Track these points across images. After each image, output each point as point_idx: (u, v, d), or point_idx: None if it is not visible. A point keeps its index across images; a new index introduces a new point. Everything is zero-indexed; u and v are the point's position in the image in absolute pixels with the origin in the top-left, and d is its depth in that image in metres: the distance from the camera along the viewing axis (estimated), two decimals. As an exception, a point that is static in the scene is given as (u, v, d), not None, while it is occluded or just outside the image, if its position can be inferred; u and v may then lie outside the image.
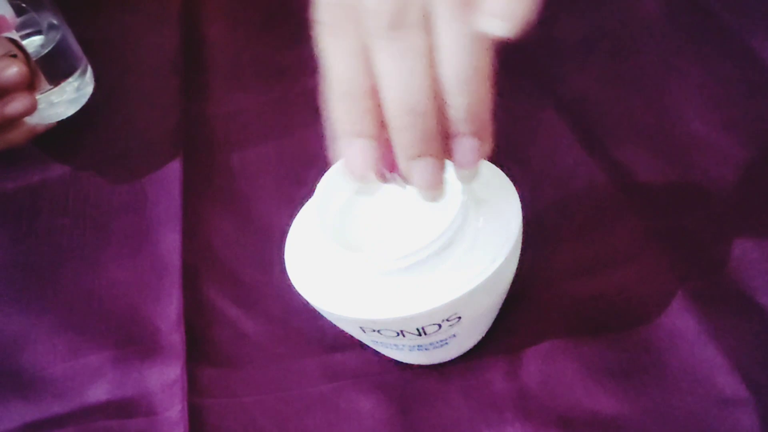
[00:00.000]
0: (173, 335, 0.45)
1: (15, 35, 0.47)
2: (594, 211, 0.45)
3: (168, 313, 0.46)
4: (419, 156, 0.30)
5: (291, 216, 0.41)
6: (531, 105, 0.51)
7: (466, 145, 0.30)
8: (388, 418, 0.40)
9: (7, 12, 0.47)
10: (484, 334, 0.41)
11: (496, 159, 0.40)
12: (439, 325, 0.36)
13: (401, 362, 0.41)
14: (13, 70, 0.46)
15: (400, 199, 0.39)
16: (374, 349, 0.41)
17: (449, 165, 0.32)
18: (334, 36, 0.29)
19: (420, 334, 0.36)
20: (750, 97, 0.48)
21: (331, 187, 0.38)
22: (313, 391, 0.42)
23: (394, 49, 0.28)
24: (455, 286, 0.35)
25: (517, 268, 0.39)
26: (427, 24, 0.28)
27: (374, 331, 0.37)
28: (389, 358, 0.41)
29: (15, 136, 0.49)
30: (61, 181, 0.54)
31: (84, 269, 0.50)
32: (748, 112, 0.48)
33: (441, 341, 0.38)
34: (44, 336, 0.47)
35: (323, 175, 0.38)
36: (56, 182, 0.54)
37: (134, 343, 0.46)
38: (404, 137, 0.30)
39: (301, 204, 0.41)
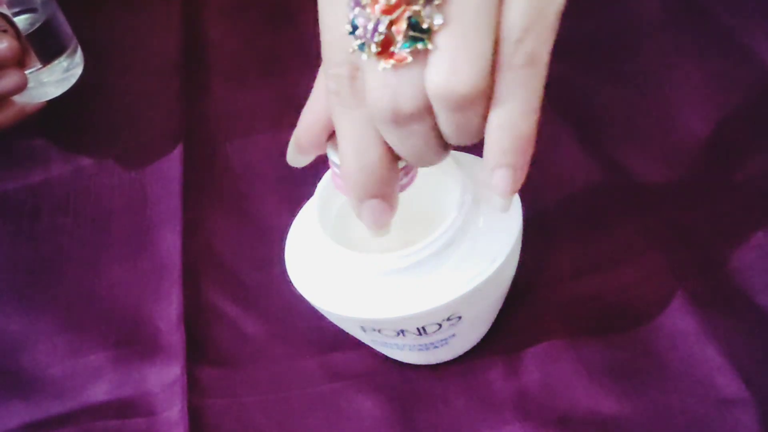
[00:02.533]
0: (173, 335, 0.45)
1: (5, 10, 0.46)
2: (594, 211, 0.45)
3: (168, 313, 0.46)
4: None
5: (291, 216, 0.41)
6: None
7: None
8: (388, 418, 0.40)
9: None
10: (484, 334, 0.41)
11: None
12: (440, 325, 0.36)
13: (401, 362, 0.41)
14: (3, 45, 0.45)
15: (400, 198, 0.38)
16: (374, 349, 0.41)
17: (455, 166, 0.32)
18: (345, 107, 0.30)
19: (420, 334, 0.36)
20: (750, 97, 0.48)
21: (331, 187, 0.38)
22: (313, 391, 0.42)
23: (396, 134, 0.29)
24: (456, 286, 0.35)
25: (517, 268, 0.39)
26: (426, 110, 0.28)
27: (374, 330, 0.37)
28: (389, 357, 0.41)
29: (4, 116, 0.48)
30: (62, 181, 0.54)
31: (84, 269, 0.50)
32: (748, 113, 0.48)
33: (441, 341, 0.38)
34: (44, 336, 0.47)
35: (323, 175, 0.38)
36: (57, 182, 0.54)
37: (134, 343, 0.46)
38: None
39: (301, 204, 0.41)
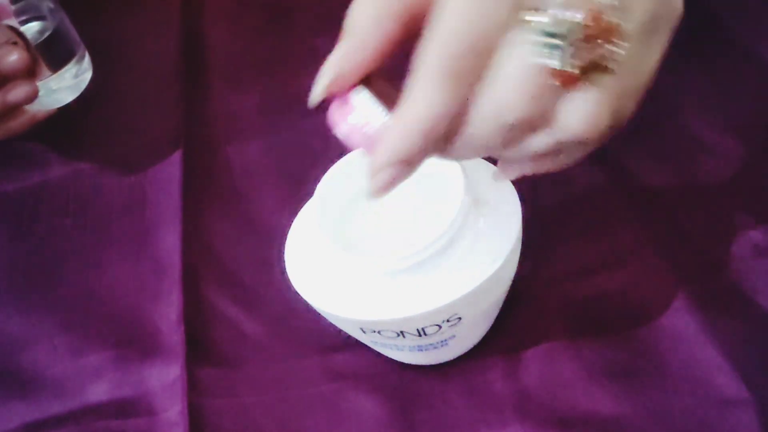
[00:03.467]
0: (173, 335, 0.45)
1: (14, 22, 0.47)
2: (594, 212, 0.45)
3: (168, 313, 0.46)
4: None
5: (291, 216, 0.41)
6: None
7: None
8: (388, 418, 0.40)
9: None
10: (484, 335, 0.41)
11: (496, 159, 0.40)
12: (440, 326, 0.36)
13: (401, 362, 0.41)
14: (14, 58, 0.46)
15: (400, 199, 0.39)
16: (374, 350, 0.41)
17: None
18: (456, 75, 0.28)
19: (420, 335, 0.36)
20: (751, 98, 0.48)
21: (331, 187, 0.38)
22: (313, 392, 0.42)
23: (493, 125, 0.28)
24: (455, 287, 0.35)
25: (517, 269, 0.39)
26: (536, 128, 0.28)
27: (374, 331, 0.37)
28: (389, 358, 0.41)
29: (16, 124, 0.49)
30: (62, 181, 0.54)
31: (84, 270, 0.50)
32: (749, 113, 0.48)
33: (441, 342, 0.38)
34: (45, 336, 0.47)
35: (323, 175, 0.38)
36: (57, 183, 0.54)
37: (134, 343, 0.46)
38: None
39: (301, 204, 0.41)
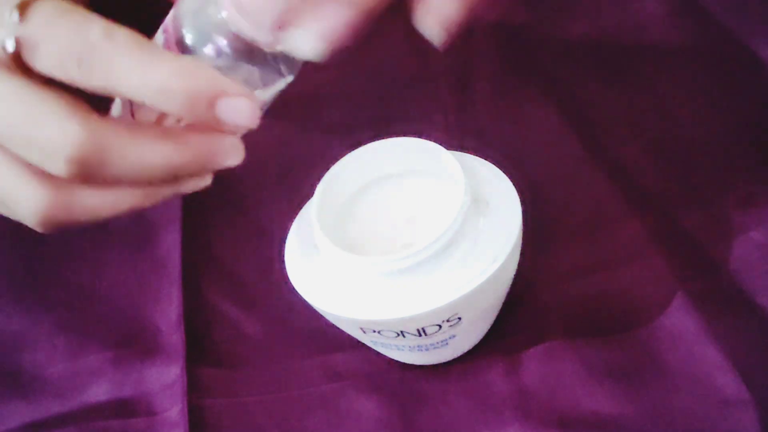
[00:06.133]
0: (173, 335, 0.45)
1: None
2: (594, 212, 0.45)
3: (168, 314, 0.46)
4: None
5: (291, 216, 0.41)
6: (531, 105, 0.51)
7: None
8: (388, 418, 0.40)
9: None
10: (484, 335, 0.41)
11: (496, 159, 0.40)
12: (440, 326, 0.36)
13: (401, 362, 0.41)
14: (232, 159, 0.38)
15: (400, 199, 0.39)
16: (374, 350, 0.41)
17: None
18: None
19: (420, 335, 0.36)
20: (751, 98, 0.48)
21: (331, 187, 0.38)
22: (314, 392, 0.42)
23: None
24: (456, 287, 0.35)
25: (517, 269, 0.39)
26: None
27: (374, 331, 0.37)
28: (389, 358, 0.41)
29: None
30: (61, 181, 0.54)
31: (84, 269, 0.50)
32: (749, 113, 0.48)
33: (441, 342, 0.38)
34: (44, 336, 0.47)
35: (323, 175, 0.38)
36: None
37: (134, 343, 0.46)
38: None
39: (301, 204, 0.41)
